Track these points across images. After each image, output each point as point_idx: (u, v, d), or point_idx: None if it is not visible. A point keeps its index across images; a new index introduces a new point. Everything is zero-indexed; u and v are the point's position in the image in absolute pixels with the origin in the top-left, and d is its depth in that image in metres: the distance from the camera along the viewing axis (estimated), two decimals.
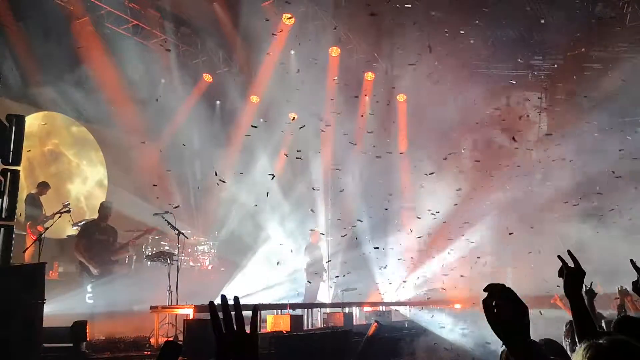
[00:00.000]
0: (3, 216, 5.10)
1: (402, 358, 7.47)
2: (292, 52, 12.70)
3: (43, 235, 7.36)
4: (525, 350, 1.48)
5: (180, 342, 5.74)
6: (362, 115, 13.04)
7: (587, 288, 3.67)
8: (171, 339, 6.55)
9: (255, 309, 1.49)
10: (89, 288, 7.52)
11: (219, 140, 13.10)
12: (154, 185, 10.63)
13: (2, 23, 9.89)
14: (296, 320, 7.76)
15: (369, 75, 13.71)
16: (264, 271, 11.22)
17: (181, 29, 12.63)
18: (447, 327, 8.38)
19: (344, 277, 11.07)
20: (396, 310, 10.92)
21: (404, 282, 12.16)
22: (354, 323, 9.13)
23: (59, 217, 8.63)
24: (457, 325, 8.42)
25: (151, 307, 6.88)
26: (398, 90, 13.97)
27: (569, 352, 2.94)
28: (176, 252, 7.88)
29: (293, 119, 12.44)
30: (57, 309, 6.42)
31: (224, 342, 1.34)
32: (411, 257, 12.30)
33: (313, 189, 12.33)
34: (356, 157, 12.52)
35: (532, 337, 2.10)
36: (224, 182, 10.70)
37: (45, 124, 11.41)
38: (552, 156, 12.18)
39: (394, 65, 13.26)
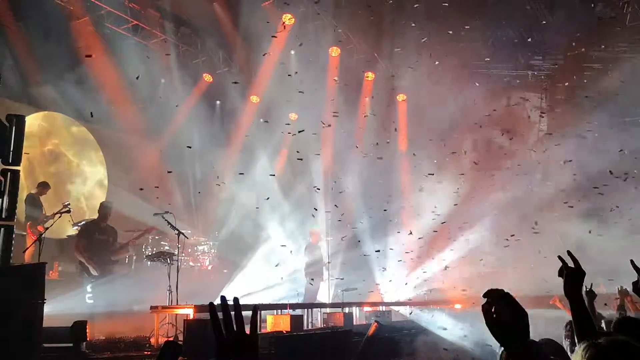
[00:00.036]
0: (3, 216, 5.10)
1: (402, 358, 7.47)
2: (292, 52, 12.71)
3: (43, 235, 7.36)
4: (525, 353, 1.49)
5: (180, 342, 5.74)
6: (364, 116, 13.02)
7: (588, 289, 3.67)
8: (171, 339, 6.55)
9: (255, 309, 1.50)
10: (89, 288, 7.52)
11: (219, 140, 13.11)
12: (155, 187, 10.65)
13: (2, 23, 9.89)
14: (296, 320, 7.76)
15: (369, 75, 13.71)
16: (264, 271, 11.22)
17: (181, 29, 12.64)
18: (448, 328, 8.37)
19: (342, 279, 11.07)
20: (397, 311, 10.92)
21: (405, 283, 12.16)
22: (354, 323, 9.14)
23: (59, 217, 8.63)
24: (458, 326, 8.42)
25: (151, 307, 6.88)
26: (398, 90, 13.98)
27: (569, 353, 2.94)
28: (176, 252, 7.88)
29: (290, 129, 12.43)
30: (57, 309, 6.42)
31: (224, 342, 1.34)
32: (411, 258, 12.29)
33: (316, 189, 12.31)
34: (356, 157, 12.53)
35: (532, 337, 2.10)
36: (224, 183, 10.74)
37: (49, 124, 11.42)
38: (552, 156, 12.18)
39: (394, 65, 13.25)
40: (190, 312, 6.56)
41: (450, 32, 11.30)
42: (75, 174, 12.24)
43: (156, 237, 11.04)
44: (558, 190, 11.96)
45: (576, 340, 2.05)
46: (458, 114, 12.36)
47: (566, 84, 13.58)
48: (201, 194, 13.30)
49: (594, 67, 12.87)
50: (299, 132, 11.13)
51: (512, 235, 10.67)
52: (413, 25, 11.24)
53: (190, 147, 11.03)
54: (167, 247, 10.52)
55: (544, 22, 11.66)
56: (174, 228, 7.92)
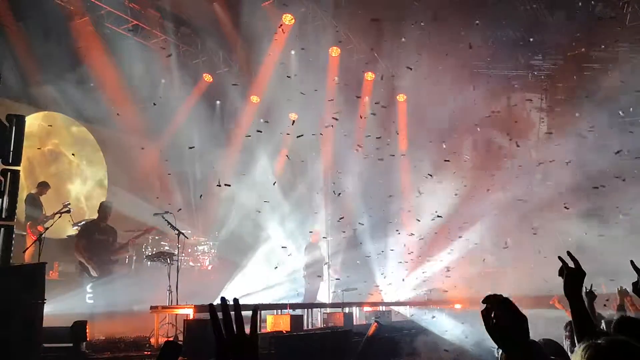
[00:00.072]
0: (3, 216, 5.10)
1: (402, 358, 7.47)
2: (292, 52, 12.71)
3: (43, 235, 7.35)
4: (524, 356, 1.53)
5: (180, 342, 5.74)
6: (361, 117, 13.02)
7: (588, 290, 3.68)
8: (171, 339, 6.55)
9: (255, 310, 1.50)
10: (88, 288, 7.52)
11: (219, 140, 13.10)
12: (157, 191, 10.69)
13: (2, 23, 9.89)
14: (296, 320, 7.77)
15: (369, 75, 13.71)
16: (264, 271, 11.23)
17: (181, 29, 12.64)
18: (448, 330, 8.37)
19: (339, 280, 11.07)
20: (397, 313, 10.92)
21: (402, 279, 12.17)
22: (354, 323, 9.14)
23: (59, 217, 8.63)
24: (458, 327, 8.42)
25: (151, 307, 6.88)
26: (398, 90, 13.98)
27: (569, 353, 2.94)
28: (176, 252, 7.89)
29: (293, 123, 12.44)
30: (57, 309, 6.42)
31: (224, 343, 1.35)
32: (411, 259, 12.30)
33: (317, 193, 12.33)
34: (356, 157, 12.53)
35: (532, 337, 2.11)
36: (228, 185, 10.76)
37: (51, 125, 11.44)
38: (552, 156, 12.18)
39: (394, 65, 13.25)
40: (190, 312, 6.56)
41: (450, 32, 11.30)
42: (75, 174, 12.24)
43: (156, 237, 11.04)
44: (558, 190, 11.96)
45: (576, 341, 2.05)
46: (458, 114, 12.36)
47: (566, 84, 13.59)
48: (202, 194, 13.29)
49: (594, 67, 12.87)
50: (298, 136, 11.18)
51: (506, 242, 10.67)
52: (412, 25, 11.25)
53: (192, 148, 11.05)
54: (167, 247, 10.52)
55: (544, 22, 11.66)
56: (174, 228, 7.92)
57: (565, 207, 11.18)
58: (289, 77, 11.50)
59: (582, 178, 11.54)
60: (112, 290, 7.47)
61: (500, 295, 1.59)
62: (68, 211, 8.75)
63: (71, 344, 5.39)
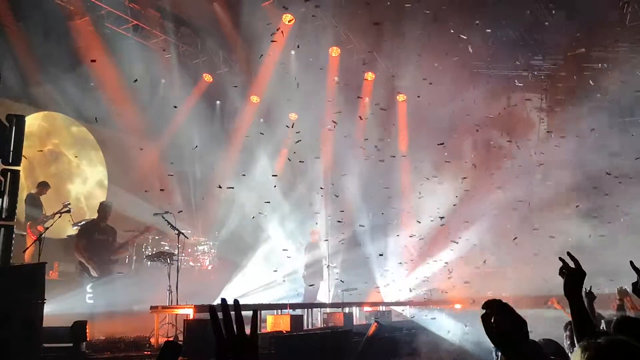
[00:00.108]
0: (3, 216, 5.10)
1: (402, 358, 7.47)
2: (292, 52, 12.71)
3: (43, 235, 7.35)
4: (523, 359, 1.56)
5: (180, 342, 5.75)
6: (361, 118, 13.02)
7: (587, 291, 3.68)
8: (171, 339, 6.55)
9: (255, 311, 1.50)
10: (88, 288, 7.52)
11: (219, 140, 13.10)
12: (157, 191, 10.71)
13: (2, 23, 9.89)
14: (296, 320, 7.77)
15: (369, 76, 13.71)
16: (263, 271, 11.23)
17: (181, 29, 12.64)
18: (449, 330, 8.37)
19: (339, 280, 11.08)
20: (401, 313, 10.91)
21: (404, 280, 12.17)
22: (354, 323, 9.13)
23: (59, 217, 8.63)
24: (459, 327, 8.42)
25: (151, 307, 6.88)
26: (398, 91, 13.98)
27: (569, 353, 2.94)
28: (176, 252, 7.89)
29: (292, 125, 12.45)
30: (57, 309, 6.42)
31: (224, 343, 1.35)
32: (411, 260, 12.30)
33: (320, 194, 12.32)
34: (356, 157, 12.53)
35: (532, 337, 2.11)
36: (232, 187, 10.79)
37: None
38: (552, 156, 12.18)
39: (394, 65, 13.26)
40: (190, 312, 6.56)
41: (450, 32, 11.30)
42: (75, 174, 12.24)
43: (156, 237, 11.05)
44: (558, 190, 11.97)
45: (575, 341, 2.05)
46: (458, 114, 12.36)
47: (566, 84, 13.58)
48: (202, 195, 13.31)
49: (594, 67, 12.87)
50: (297, 142, 11.23)
51: (514, 238, 10.66)
52: (413, 25, 11.24)
53: (196, 147, 11.06)
54: (167, 247, 10.52)
55: (545, 22, 11.66)
56: (174, 228, 7.93)
57: (565, 211, 11.19)
58: (294, 79, 11.48)
59: (582, 178, 11.55)
60: (112, 290, 7.47)
61: (500, 300, 1.62)
62: (68, 211, 8.75)
63: (71, 344, 5.39)
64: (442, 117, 12.16)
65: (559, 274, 2.17)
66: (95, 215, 8.24)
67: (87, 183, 12.45)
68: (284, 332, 7.19)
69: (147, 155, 12.19)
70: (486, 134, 13.58)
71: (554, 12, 11.54)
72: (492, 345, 1.66)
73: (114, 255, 8.07)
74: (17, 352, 4.37)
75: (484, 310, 1.60)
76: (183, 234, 8.11)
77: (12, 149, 5.28)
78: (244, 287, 10.49)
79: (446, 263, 11.79)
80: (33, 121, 10.87)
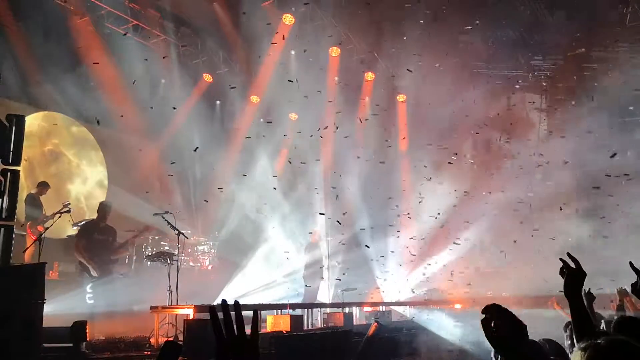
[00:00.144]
0: (3, 216, 5.10)
1: (402, 358, 7.47)
2: (293, 52, 12.71)
3: (43, 235, 7.36)
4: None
5: (180, 342, 5.75)
6: (360, 120, 13.02)
7: (586, 291, 3.68)
8: (171, 339, 6.55)
9: (256, 312, 1.50)
10: (88, 288, 7.52)
11: (219, 140, 13.11)
12: (157, 191, 10.71)
13: (2, 23, 9.89)
14: (296, 320, 7.77)
15: (369, 76, 13.71)
16: (264, 271, 11.23)
17: (181, 29, 12.64)
18: (449, 330, 8.37)
19: (343, 275, 11.09)
20: (402, 315, 10.91)
21: (406, 280, 12.18)
22: (354, 323, 9.14)
23: (59, 217, 8.63)
24: (458, 327, 8.42)
25: (151, 307, 6.88)
26: (398, 91, 13.98)
27: (568, 353, 2.94)
28: (176, 252, 7.89)
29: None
30: (57, 309, 6.42)
31: (224, 343, 1.35)
32: (411, 260, 12.30)
33: (319, 192, 12.33)
34: (357, 158, 12.53)
35: (532, 337, 2.11)
36: (233, 187, 10.80)
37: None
38: (552, 156, 12.18)
39: (394, 65, 13.26)
40: (190, 312, 6.56)
41: (450, 32, 11.30)
42: (75, 174, 12.24)
43: (156, 237, 11.05)
44: (558, 190, 11.97)
45: (575, 341, 2.05)
46: (458, 114, 12.36)
47: (566, 84, 13.58)
48: (202, 195, 13.31)
49: (594, 67, 12.87)
50: (295, 148, 11.22)
51: (515, 241, 10.66)
52: (413, 25, 11.24)
53: (197, 148, 11.06)
54: (167, 247, 10.52)
55: (544, 22, 11.66)
56: (174, 228, 7.93)
57: (560, 209, 11.19)
58: (291, 81, 11.48)
59: (583, 178, 11.55)
60: (112, 290, 7.47)
61: (499, 305, 1.65)
62: (68, 211, 8.75)
63: (71, 344, 5.39)
64: (442, 117, 12.16)
65: (560, 274, 2.17)
66: (95, 215, 8.24)
67: (87, 183, 12.45)
68: (284, 332, 7.19)
69: (147, 155, 12.19)
70: (486, 134, 13.58)
71: (554, 12, 11.53)
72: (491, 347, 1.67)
73: (114, 255, 8.07)
74: (17, 352, 4.37)
75: (484, 315, 1.62)
76: (183, 234, 8.11)
77: (12, 149, 5.28)
78: (244, 287, 10.49)
79: (444, 265, 11.79)
80: (33, 121, 10.87)
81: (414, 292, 11.91)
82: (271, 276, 11.06)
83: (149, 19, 11.93)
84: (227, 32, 12.36)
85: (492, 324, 1.61)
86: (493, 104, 13.27)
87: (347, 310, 9.41)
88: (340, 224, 11.42)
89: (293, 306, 8.54)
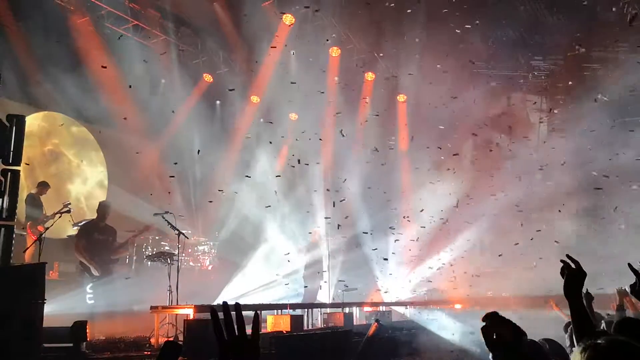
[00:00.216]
0: (3, 216, 5.11)
1: (402, 358, 7.47)
2: (293, 52, 12.70)
3: (43, 235, 7.36)
4: None
5: (181, 342, 5.75)
6: (361, 124, 13.02)
7: (585, 292, 3.67)
8: (171, 339, 6.55)
9: (256, 314, 1.51)
10: (88, 288, 7.53)
11: (219, 140, 13.11)
12: (157, 191, 10.72)
13: (2, 23, 9.89)
14: (296, 320, 7.77)
15: (369, 76, 13.71)
16: (264, 271, 11.23)
17: (181, 29, 12.63)
18: (450, 330, 8.36)
19: (343, 275, 11.10)
20: (402, 315, 10.92)
21: (408, 281, 12.18)
22: (354, 323, 9.14)
23: (60, 217, 8.63)
24: (459, 327, 8.42)
25: (151, 307, 6.89)
26: (398, 91, 13.97)
27: (569, 353, 2.94)
28: (176, 252, 7.89)
29: (291, 133, 12.48)
30: (57, 309, 6.43)
31: (225, 344, 1.35)
32: (411, 260, 12.30)
33: (319, 192, 12.32)
34: (357, 157, 12.53)
35: (532, 337, 2.12)
36: (236, 193, 10.81)
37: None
38: (552, 156, 12.18)
39: (394, 65, 13.25)
40: (190, 312, 6.56)
41: (450, 32, 11.29)
42: (75, 174, 12.24)
43: (156, 237, 11.05)
44: (559, 190, 11.96)
45: (575, 341, 2.05)
46: (458, 114, 12.36)
47: (566, 84, 13.58)
48: (202, 195, 13.31)
49: (594, 67, 12.87)
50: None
51: (516, 244, 10.66)
52: (413, 25, 11.24)
53: (199, 152, 11.04)
54: (167, 247, 10.53)
55: (544, 22, 11.65)
56: (174, 228, 7.93)
57: (559, 210, 11.19)
58: (293, 82, 11.47)
59: (583, 178, 11.54)
60: (112, 290, 7.48)
61: (498, 314, 1.67)
62: (68, 211, 8.75)
63: (71, 344, 5.40)
64: (442, 117, 12.16)
65: (561, 275, 2.17)
66: (95, 215, 8.24)
67: (87, 183, 12.45)
68: (284, 332, 7.19)
69: (147, 155, 12.19)
70: (486, 134, 13.58)
71: (554, 12, 11.53)
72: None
73: (114, 255, 8.08)
74: (17, 352, 4.37)
75: (484, 323, 1.65)
76: (183, 234, 8.12)
77: (12, 149, 5.28)
78: (244, 287, 10.50)
79: (443, 264, 11.79)
80: (33, 121, 10.87)
81: (415, 292, 11.90)
82: (271, 276, 11.05)
83: (149, 19, 11.92)
84: (227, 32, 12.35)
85: (492, 332, 1.62)
86: (493, 104, 13.28)
87: (347, 310, 9.42)
88: (340, 226, 11.43)
89: (293, 306, 8.55)
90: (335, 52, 12.80)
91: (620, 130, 12.02)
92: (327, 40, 12.05)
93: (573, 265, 2.16)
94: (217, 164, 13.02)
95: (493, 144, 13.77)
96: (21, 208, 8.29)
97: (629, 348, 1.45)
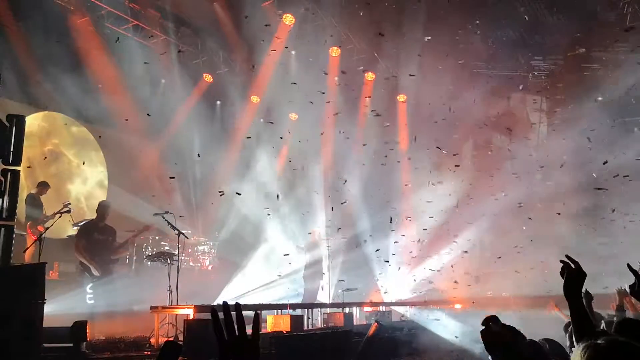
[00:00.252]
0: (3, 216, 5.11)
1: (402, 358, 7.47)
2: (293, 52, 12.70)
3: (43, 235, 7.35)
4: None
5: (181, 342, 5.75)
6: (361, 123, 13.02)
7: (585, 292, 3.67)
8: (171, 339, 6.55)
9: (257, 314, 1.51)
10: (89, 288, 7.53)
11: (219, 140, 13.11)
12: (157, 191, 10.71)
13: (2, 23, 9.88)
14: (296, 320, 7.77)
15: (369, 76, 13.71)
16: (264, 271, 11.23)
17: (181, 29, 12.62)
18: (450, 330, 8.36)
19: (344, 285, 11.09)
20: (402, 315, 10.92)
21: (406, 280, 12.18)
22: (354, 323, 9.14)
23: (60, 217, 8.63)
24: (459, 327, 8.42)
25: (151, 307, 6.89)
26: (398, 91, 13.97)
27: (569, 353, 2.94)
28: (176, 252, 7.89)
29: (291, 134, 12.47)
30: (57, 309, 6.43)
31: (225, 344, 1.35)
32: (411, 260, 12.30)
33: (319, 193, 12.33)
34: (357, 157, 12.52)
35: (532, 337, 2.12)
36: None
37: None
38: (552, 156, 12.18)
39: (394, 65, 13.25)
40: (190, 312, 6.56)
41: (450, 32, 11.30)
42: (75, 174, 12.24)
43: (156, 237, 11.05)
44: (558, 190, 11.96)
45: (575, 341, 2.05)
46: (458, 114, 12.36)
47: (566, 84, 13.58)
48: (202, 195, 13.31)
49: (594, 67, 12.87)
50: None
51: (518, 251, 10.67)
52: (413, 25, 11.24)
53: (199, 155, 11.01)
54: (167, 247, 10.53)
55: (544, 22, 11.65)
56: (174, 228, 7.93)
57: (558, 213, 11.19)
58: (294, 83, 11.47)
59: (584, 178, 11.54)
60: (112, 290, 7.48)
61: (497, 317, 1.71)
62: (68, 211, 8.75)
63: (71, 344, 5.40)
64: (442, 117, 12.15)
65: (561, 275, 2.17)
66: (94, 216, 8.24)
67: (87, 183, 12.45)
68: (284, 332, 7.19)
69: (147, 155, 12.19)
70: (486, 134, 13.58)
71: (554, 12, 11.53)
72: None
73: (114, 255, 8.09)
74: (17, 352, 4.37)
75: (484, 327, 1.69)
76: (183, 234, 8.12)
77: (12, 149, 5.28)
78: (244, 287, 10.50)
79: (443, 264, 11.79)
80: (33, 121, 10.87)
81: (418, 293, 11.91)
82: (271, 276, 11.05)
83: (149, 19, 11.92)
84: (227, 32, 12.34)
85: (492, 335, 1.64)
86: (493, 104, 13.27)
87: (347, 310, 9.42)
88: (340, 229, 11.44)
89: (293, 306, 8.55)
90: (335, 52, 12.80)
91: (620, 130, 12.03)
92: (325, 41, 12.04)
93: (573, 266, 2.16)
94: (217, 164, 13.02)
95: (493, 144, 13.77)
96: (21, 208, 8.30)
97: (629, 348, 1.45)
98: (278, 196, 11.92)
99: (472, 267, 12.07)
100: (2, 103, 9.54)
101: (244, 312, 1.43)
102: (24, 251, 7.86)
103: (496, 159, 13.26)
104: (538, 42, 12.67)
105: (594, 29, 11.70)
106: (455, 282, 11.26)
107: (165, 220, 8.00)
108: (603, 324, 3.69)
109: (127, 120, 10.93)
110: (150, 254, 9.51)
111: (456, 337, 8.00)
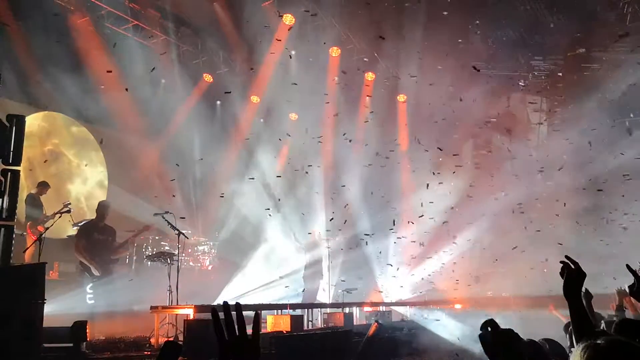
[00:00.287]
0: (3, 216, 5.11)
1: (402, 358, 7.47)
2: (293, 52, 12.70)
3: (43, 235, 7.35)
4: None
5: (181, 342, 5.75)
6: (365, 122, 13.01)
7: (584, 291, 3.68)
8: (171, 339, 6.55)
9: (257, 314, 1.51)
10: (89, 288, 7.53)
11: (219, 140, 13.10)
12: (158, 191, 10.72)
13: (2, 22, 9.88)
14: (296, 320, 7.77)
15: (369, 76, 13.71)
16: (264, 271, 11.23)
17: (181, 29, 12.62)
18: (450, 330, 8.36)
19: (343, 276, 11.10)
20: (403, 315, 10.92)
21: (406, 280, 12.19)
22: (354, 323, 9.14)
23: (60, 217, 8.63)
24: (459, 327, 8.42)
25: (151, 307, 6.89)
26: (398, 91, 13.97)
27: (569, 354, 2.95)
28: (176, 252, 7.89)
29: (291, 134, 12.47)
30: (57, 309, 6.43)
31: (225, 344, 1.36)
32: (411, 260, 12.30)
33: (319, 193, 12.32)
34: (357, 157, 12.52)
35: (532, 337, 2.13)
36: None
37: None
38: (552, 156, 12.18)
39: (394, 65, 13.25)
40: (190, 312, 6.56)
41: (450, 32, 11.29)
42: (75, 174, 12.24)
43: (156, 237, 11.05)
44: (559, 190, 11.97)
45: (574, 341, 2.06)
46: (458, 115, 12.36)
47: (566, 84, 13.57)
48: (202, 195, 13.30)
49: (594, 67, 12.87)
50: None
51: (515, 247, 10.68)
52: (413, 25, 11.24)
53: (201, 159, 10.98)
54: (167, 247, 10.53)
55: (544, 22, 11.65)
56: (174, 228, 7.93)
57: (557, 214, 11.19)
58: (295, 84, 11.46)
59: (584, 178, 11.54)
60: (112, 290, 7.48)
61: (494, 321, 1.70)
62: (68, 211, 8.75)
63: (71, 344, 5.40)
64: (442, 117, 12.16)
65: (561, 275, 2.18)
66: (94, 216, 8.24)
67: (87, 183, 12.45)
68: (284, 332, 7.19)
69: (147, 155, 12.18)
70: (486, 134, 13.58)
71: (554, 12, 11.52)
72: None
73: (114, 255, 8.09)
74: (17, 352, 4.37)
75: (482, 330, 1.70)
76: (183, 234, 8.12)
77: (12, 149, 5.28)
78: (244, 287, 10.50)
79: (443, 264, 11.79)
80: (33, 121, 10.87)
81: (419, 293, 11.91)
82: (271, 276, 11.05)
83: (149, 19, 11.91)
84: (227, 32, 12.34)
85: (490, 338, 1.67)
86: (493, 104, 13.27)
87: (347, 310, 9.42)
88: (340, 230, 11.44)
89: (293, 306, 8.55)
90: (335, 52, 12.80)
91: (620, 130, 12.03)
92: (325, 42, 12.04)
93: (572, 266, 2.16)
94: (217, 164, 13.01)
95: (493, 144, 13.77)
96: (21, 208, 8.31)
97: (629, 348, 1.45)
98: (279, 200, 11.92)
99: (472, 267, 12.07)
100: (2, 103, 9.54)
101: (244, 312, 1.43)
102: (24, 251, 7.86)
103: (496, 159, 13.26)
104: (538, 42, 12.67)
105: (594, 29, 11.69)
106: (457, 281, 11.26)
107: (165, 220, 8.01)
108: (603, 324, 3.69)
109: (127, 121, 10.91)
110: (150, 254, 9.51)
111: (458, 338, 7.99)
